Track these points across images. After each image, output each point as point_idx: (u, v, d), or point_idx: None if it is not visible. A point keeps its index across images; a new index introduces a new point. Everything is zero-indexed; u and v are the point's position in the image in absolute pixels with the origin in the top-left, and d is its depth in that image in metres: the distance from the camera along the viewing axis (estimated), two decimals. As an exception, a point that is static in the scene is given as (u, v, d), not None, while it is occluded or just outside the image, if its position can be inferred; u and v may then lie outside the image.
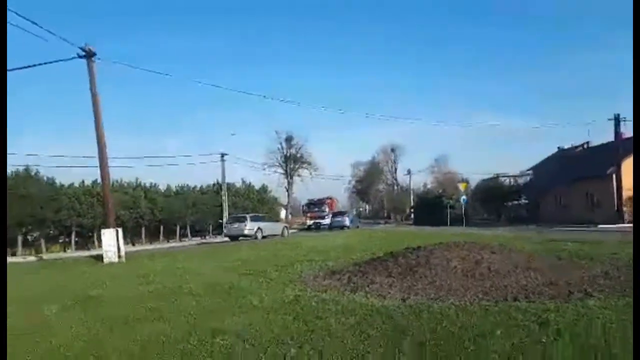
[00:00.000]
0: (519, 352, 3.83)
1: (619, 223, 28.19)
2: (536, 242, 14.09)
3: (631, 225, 26.47)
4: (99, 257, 16.71)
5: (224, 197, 41.48)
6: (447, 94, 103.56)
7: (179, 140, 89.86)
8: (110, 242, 16.52)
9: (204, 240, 35.43)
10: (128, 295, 7.79)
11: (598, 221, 28.45)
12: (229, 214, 39.14)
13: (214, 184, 45.24)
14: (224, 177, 42.68)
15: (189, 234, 40.15)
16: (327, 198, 53.41)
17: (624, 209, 30.14)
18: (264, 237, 28.48)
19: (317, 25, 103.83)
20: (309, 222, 46.99)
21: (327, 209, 48.84)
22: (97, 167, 17.81)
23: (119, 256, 16.39)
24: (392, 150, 77.58)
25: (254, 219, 29.72)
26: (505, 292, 6.22)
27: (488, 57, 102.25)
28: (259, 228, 28.87)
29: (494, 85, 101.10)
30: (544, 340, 4.06)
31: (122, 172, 40.11)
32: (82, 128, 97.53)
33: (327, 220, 42.32)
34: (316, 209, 49.70)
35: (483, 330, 4.45)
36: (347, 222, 41.14)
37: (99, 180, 19.19)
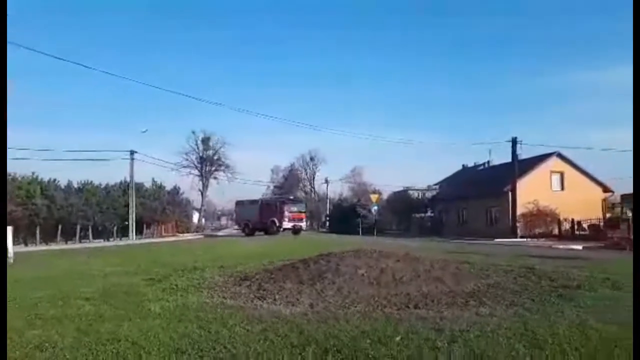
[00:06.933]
0: (415, 357, 4.00)
1: (512, 237, 30.68)
2: (438, 252, 14.88)
3: (524, 240, 29.13)
4: (-18, 258, 15.04)
5: (131, 198, 39.23)
6: (364, 107, 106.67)
7: (85, 136, 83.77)
8: (-3, 241, 14.93)
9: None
10: (13, 300, 7.06)
11: (495, 236, 30.73)
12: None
13: (120, 183, 42.74)
14: (132, 176, 40.08)
15: (90, 236, 37.42)
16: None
17: (518, 224, 32.89)
18: None
19: (242, 28, 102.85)
20: (288, 224, 36.99)
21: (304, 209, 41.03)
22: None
23: (8, 257, 14.87)
24: (311, 159, 78.61)
25: None
26: (408, 300, 6.50)
27: (400, 72, 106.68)
28: None
29: (408, 99, 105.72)
30: (438, 346, 4.27)
31: (17, 165, 36.73)
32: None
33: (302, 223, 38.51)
34: (295, 209, 38.91)
35: (383, 336, 4.59)
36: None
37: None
